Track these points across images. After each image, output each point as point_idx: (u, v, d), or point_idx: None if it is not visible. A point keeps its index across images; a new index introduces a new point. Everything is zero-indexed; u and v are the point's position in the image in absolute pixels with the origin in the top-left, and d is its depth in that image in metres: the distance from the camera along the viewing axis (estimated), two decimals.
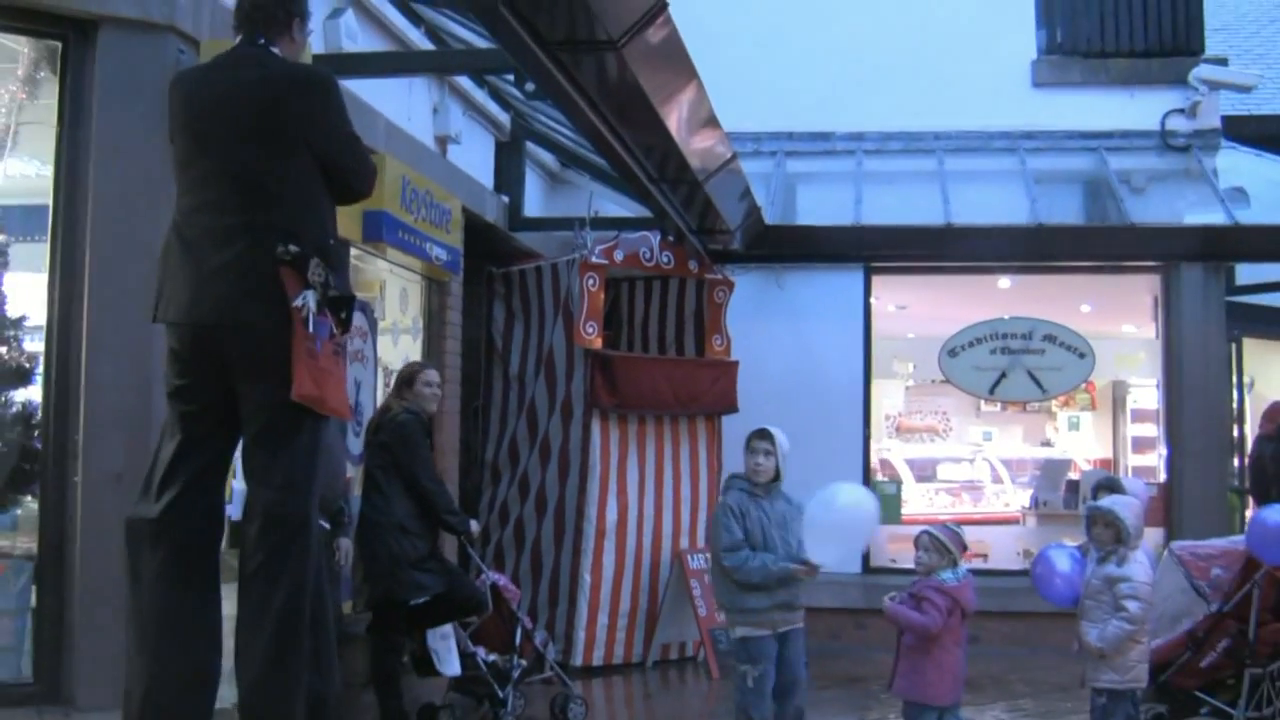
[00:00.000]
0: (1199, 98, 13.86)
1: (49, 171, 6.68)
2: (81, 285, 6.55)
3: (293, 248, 4.73)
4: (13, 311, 7.28)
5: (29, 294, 6.94)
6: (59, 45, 6.68)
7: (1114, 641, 7.06)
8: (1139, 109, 14.03)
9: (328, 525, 7.39)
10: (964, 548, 7.50)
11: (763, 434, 7.60)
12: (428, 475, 8.31)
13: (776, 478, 7.56)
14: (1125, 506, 7.30)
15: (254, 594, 4.80)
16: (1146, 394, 14.98)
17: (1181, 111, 13.97)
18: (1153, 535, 10.83)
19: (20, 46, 6.90)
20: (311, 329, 4.73)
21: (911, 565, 7.60)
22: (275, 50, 5.07)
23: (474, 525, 8.74)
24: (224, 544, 5.19)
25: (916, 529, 7.53)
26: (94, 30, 6.59)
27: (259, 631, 4.76)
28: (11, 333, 7.25)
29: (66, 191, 6.59)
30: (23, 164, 7.18)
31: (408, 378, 8.52)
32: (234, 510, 5.50)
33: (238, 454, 5.07)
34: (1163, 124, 13.97)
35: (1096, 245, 13.01)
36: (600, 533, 10.79)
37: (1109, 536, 7.23)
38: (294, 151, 4.87)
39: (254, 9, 5.12)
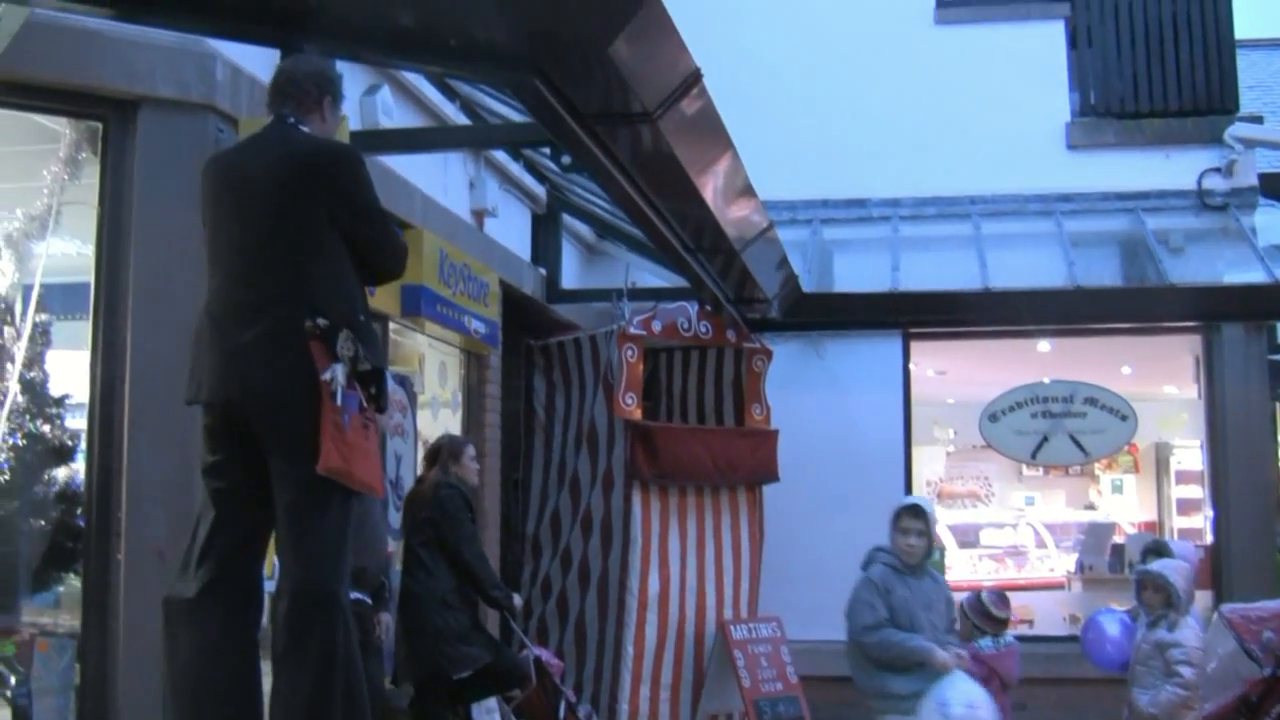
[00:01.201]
0: (1235, 156, 13.81)
1: (90, 250, 6.72)
2: (123, 363, 6.57)
3: (321, 321, 4.69)
4: (55, 390, 7.32)
5: (71, 372, 6.97)
6: (100, 126, 6.73)
7: (1167, 707, 6.98)
8: (1175, 169, 13.99)
9: (369, 600, 7.37)
10: (996, 619, 7.40)
11: (915, 511, 7.23)
12: (472, 550, 8.29)
13: (928, 555, 7.23)
14: (1175, 570, 7.24)
15: (284, 673, 4.75)
16: (1190, 455, 14.85)
17: (1218, 170, 13.92)
18: (1201, 598, 10.71)
19: (61, 127, 6.96)
20: (340, 402, 4.67)
21: None
22: (305, 129, 5.08)
23: (516, 600, 8.71)
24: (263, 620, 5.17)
25: (959, 596, 7.48)
26: (134, 111, 6.65)
27: (290, 711, 4.72)
28: (54, 410, 7.28)
29: (108, 270, 6.62)
30: (64, 243, 7.24)
31: (454, 453, 8.51)
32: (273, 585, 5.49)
33: None
34: (1199, 183, 13.92)
35: (1135, 306, 12.94)
36: (643, 604, 10.72)
37: (1159, 601, 7.16)
38: (321, 226, 4.84)
39: (286, 84, 5.14)
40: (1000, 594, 8.07)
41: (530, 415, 12.09)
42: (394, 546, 8.79)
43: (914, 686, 6.97)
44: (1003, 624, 7.56)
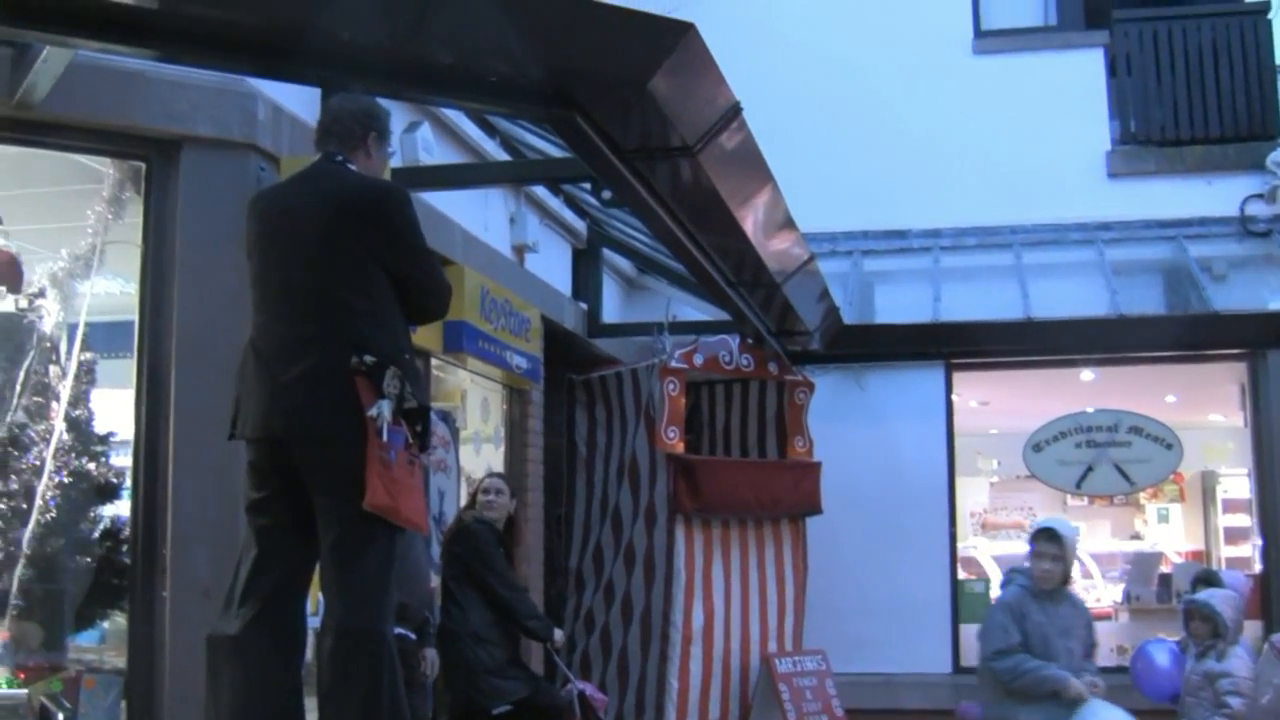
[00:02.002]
0: (1277, 182, 13.73)
1: (134, 289, 6.76)
2: (167, 401, 6.59)
3: (368, 358, 4.69)
4: (100, 428, 7.37)
5: (116, 410, 7.01)
6: (143, 165, 6.78)
7: None
8: (1217, 196, 13.91)
9: (413, 636, 7.36)
10: None
11: (1050, 535, 6.97)
12: (503, 583, 8.28)
13: (1065, 580, 7.04)
14: (1223, 600, 7.18)
15: (329, 711, 4.74)
16: (1237, 483, 14.72)
17: (1260, 197, 13.83)
18: (1251, 628, 10.60)
19: (105, 167, 7.01)
20: (386, 438, 4.67)
21: None
22: (352, 166, 5.09)
23: (559, 634, 8.68)
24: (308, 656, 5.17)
25: None
26: (176, 150, 6.69)
27: None
28: (99, 448, 7.33)
29: (152, 308, 6.65)
30: (108, 282, 7.29)
31: (472, 490, 8.61)
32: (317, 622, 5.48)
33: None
34: (1242, 210, 13.84)
35: (1179, 334, 12.84)
36: (687, 638, 10.69)
37: (1206, 631, 7.10)
38: (366, 264, 4.85)
39: (332, 123, 5.17)
40: None
41: (572, 450, 12.09)
42: (436, 582, 8.80)
43: (1040, 718, 6.74)
44: None
